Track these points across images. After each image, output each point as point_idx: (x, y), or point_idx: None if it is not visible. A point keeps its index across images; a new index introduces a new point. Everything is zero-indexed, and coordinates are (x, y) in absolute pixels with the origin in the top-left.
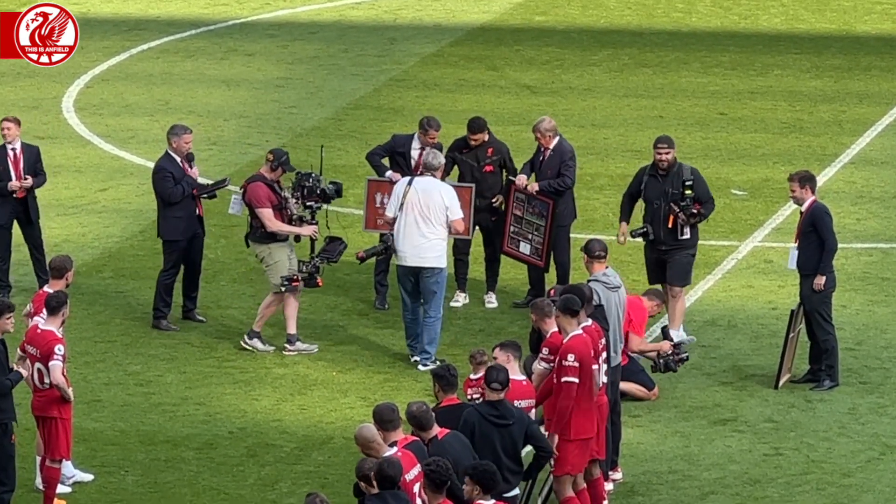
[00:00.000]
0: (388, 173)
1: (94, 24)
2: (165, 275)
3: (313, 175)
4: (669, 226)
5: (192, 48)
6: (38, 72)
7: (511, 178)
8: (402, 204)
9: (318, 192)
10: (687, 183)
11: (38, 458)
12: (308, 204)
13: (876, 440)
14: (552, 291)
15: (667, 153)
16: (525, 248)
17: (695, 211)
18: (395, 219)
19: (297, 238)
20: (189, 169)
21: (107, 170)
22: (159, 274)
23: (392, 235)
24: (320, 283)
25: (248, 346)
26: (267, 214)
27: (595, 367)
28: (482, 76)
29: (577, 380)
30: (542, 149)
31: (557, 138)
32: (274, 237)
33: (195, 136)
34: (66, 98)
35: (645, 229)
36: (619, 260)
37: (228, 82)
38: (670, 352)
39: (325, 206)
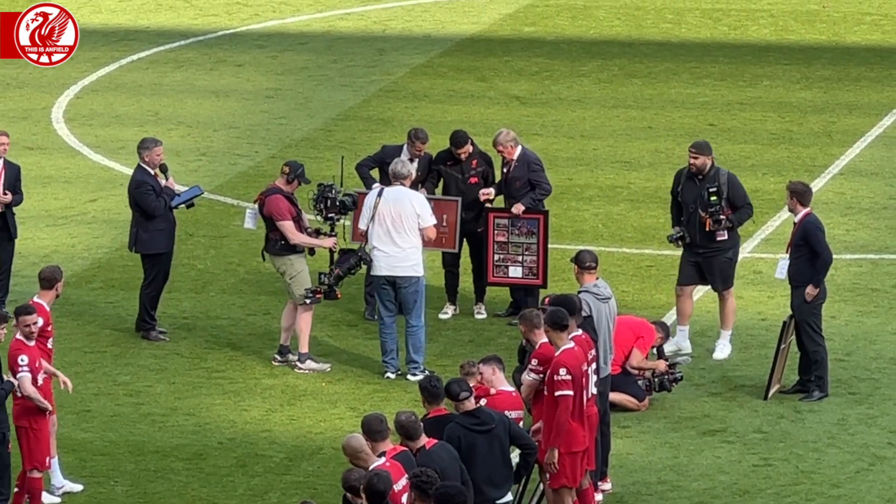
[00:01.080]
0: (375, 185)
1: (84, 35)
2: (150, 288)
3: (334, 187)
4: (707, 229)
5: (181, 59)
6: (28, 82)
7: (488, 205)
8: (373, 215)
9: (338, 203)
10: (711, 189)
11: None
12: (329, 216)
13: (865, 451)
14: (546, 301)
15: (695, 158)
16: (515, 271)
17: (722, 217)
18: (367, 230)
19: (312, 251)
20: (167, 180)
21: (96, 180)
22: (142, 288)
23: (365, 247)
24: (339, 296)
25: (305, 370)
26: (289, 227)
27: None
28: (471, 87)
29: (572, 392)
30: (507, 161)
31: (520, 147)
32: (293, 249)
33: (185, 147)
34: (55, 108)
35: (681, 233)
36: (608, 271)
37: (218, 93)
38: (665, 371)
39: (342, 217)
